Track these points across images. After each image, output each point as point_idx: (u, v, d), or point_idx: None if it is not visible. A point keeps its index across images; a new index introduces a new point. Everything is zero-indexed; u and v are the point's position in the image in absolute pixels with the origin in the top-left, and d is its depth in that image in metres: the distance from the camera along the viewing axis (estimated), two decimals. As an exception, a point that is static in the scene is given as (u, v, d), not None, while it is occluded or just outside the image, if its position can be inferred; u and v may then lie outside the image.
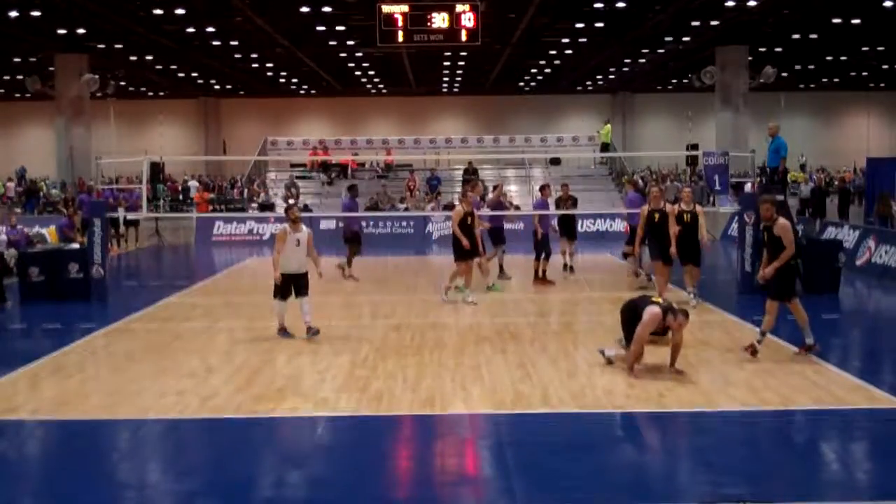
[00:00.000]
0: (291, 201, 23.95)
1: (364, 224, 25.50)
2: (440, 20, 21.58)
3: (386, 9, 21.62)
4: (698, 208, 13.21)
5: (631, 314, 9.18)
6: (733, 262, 17.38)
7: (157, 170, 26.69)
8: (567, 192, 17.69)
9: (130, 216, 24.06)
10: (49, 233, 20.83)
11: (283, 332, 11.09)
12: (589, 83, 54.21)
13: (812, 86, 54.74)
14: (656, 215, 13.10)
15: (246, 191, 34.29)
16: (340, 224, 19.43)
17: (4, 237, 17.59)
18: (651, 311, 8.84)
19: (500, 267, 16.26)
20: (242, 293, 15.60)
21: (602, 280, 16.71)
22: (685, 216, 12.96)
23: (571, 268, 17.05)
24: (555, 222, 17.02)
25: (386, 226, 25.59)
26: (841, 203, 29.70)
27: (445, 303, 13.56)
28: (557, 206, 17.28)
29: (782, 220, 9.76)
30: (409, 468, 6.77)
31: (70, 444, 7.23)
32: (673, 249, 12.85)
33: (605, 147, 33.21)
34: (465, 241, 13.37)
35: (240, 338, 11.20)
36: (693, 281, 13.24)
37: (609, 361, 9.39)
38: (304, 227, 11.03)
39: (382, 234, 25.05)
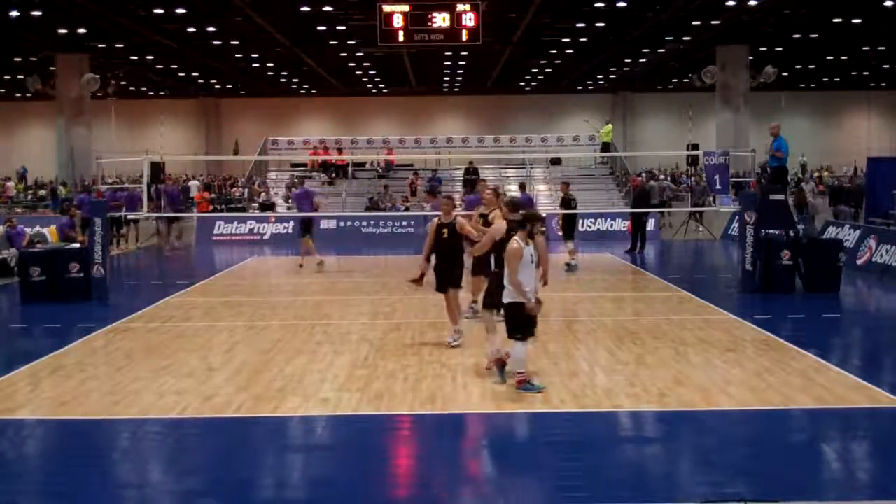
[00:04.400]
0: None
1: (365, 224, 25.68)
2: (441, 20, 21.59)
3: (387, 8, 21.64)
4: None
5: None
6: (734, 262, 17.38)
7: (157, 170, 26.68)
8: (567, 191, 18.61)
9: (131, 216, 24.07)
10: (50, 232, 20.83)
11: (528, 384, 8.30)
12: (589, 83, 54.25)
13: (813, 85, 54.77)
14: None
15: (247, 191, 34.28)
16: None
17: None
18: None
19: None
20: (243, 293, 15.61)
21: (603, 280, 16.72)
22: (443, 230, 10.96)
23: (569, 265, 17.37)
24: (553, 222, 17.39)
25: (386, 225, 25.58)
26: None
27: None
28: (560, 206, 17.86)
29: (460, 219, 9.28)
30: (410, 468, 6.76)
31: (70, 444, 7.23)
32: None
33: (605, 147, 33.21)
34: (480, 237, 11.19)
35: (240, 337, 11.19)
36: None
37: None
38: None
39: (383, 233, 25.04)
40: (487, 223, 11.68)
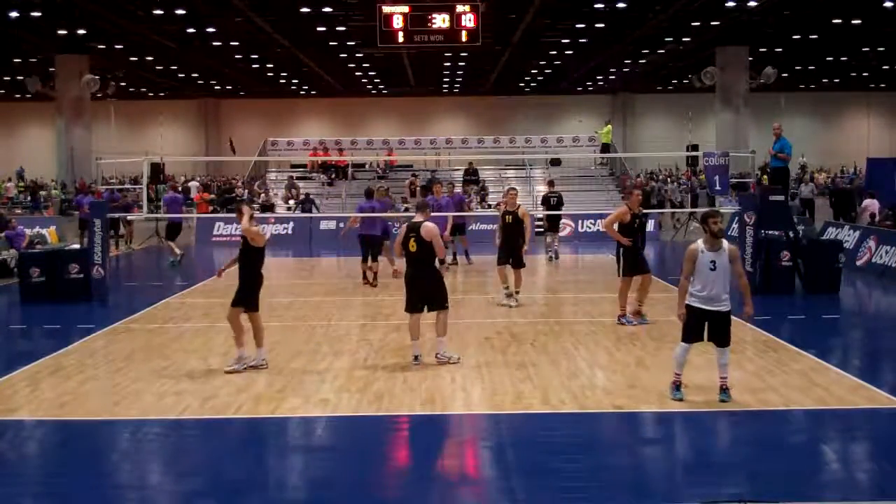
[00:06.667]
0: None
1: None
2: (440, 21, 21.58)
3: (386, 9, 21.62)
4: (522, 210, 13.48)
5: None
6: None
7: (157, 170, 26.69)
8: (551, 190, 21.52)
9: (129, 216, 24.05)
10: (49, 233, 20.84)
11: (677, 388, 8.08)
12: (589, 84, 54.30)
13: (812, 86, 54.84)
14: (508, 217, 13.32)
15: (246, 192, 34.24)
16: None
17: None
18: None
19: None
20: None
21: (602, 281, 16.69)
22: (507, 217, 13.26)
23: (552, 257, 19.84)
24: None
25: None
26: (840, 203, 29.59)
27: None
28: (543, 202, 20.66)
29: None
30: (409, 468, 6.76)
31: (70, 444, 7.23)
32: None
33: (605, 147, 33.21)
34: (625, 240, 11.68)
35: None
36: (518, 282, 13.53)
37: None
38: (725, 244, 8.03)
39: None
40: (517, 220, 13.25)
